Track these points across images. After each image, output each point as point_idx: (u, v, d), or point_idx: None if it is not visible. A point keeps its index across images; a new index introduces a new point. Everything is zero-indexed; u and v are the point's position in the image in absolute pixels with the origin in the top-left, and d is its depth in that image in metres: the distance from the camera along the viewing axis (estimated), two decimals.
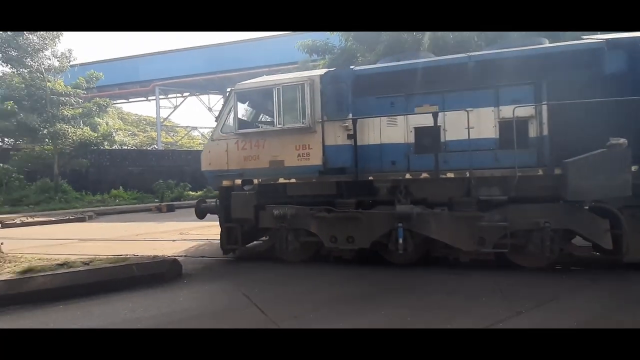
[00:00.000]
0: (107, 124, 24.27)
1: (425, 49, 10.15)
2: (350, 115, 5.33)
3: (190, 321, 3.67)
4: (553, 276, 4.56)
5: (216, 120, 6.23)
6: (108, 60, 26.05)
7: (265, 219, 5.72)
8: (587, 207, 4.67)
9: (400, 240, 4.97)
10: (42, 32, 19.22)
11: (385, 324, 3.28)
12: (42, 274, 4.56)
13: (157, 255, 5.58)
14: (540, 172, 4.61)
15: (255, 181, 5.80)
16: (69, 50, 20.64)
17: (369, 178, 5.29)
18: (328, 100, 5.41)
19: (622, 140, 4.18)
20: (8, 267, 4.93)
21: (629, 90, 4.42)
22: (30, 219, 13.11)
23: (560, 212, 4.66)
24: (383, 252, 5.38)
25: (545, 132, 4.76)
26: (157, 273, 4.97)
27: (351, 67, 5.95)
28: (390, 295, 4.13)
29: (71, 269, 4.73)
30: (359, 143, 5.31)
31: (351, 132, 5.28)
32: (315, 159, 5.39)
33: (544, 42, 5.15)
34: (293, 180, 5.56)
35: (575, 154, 4.32)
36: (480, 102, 4.97)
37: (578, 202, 4.55)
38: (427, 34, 10.42)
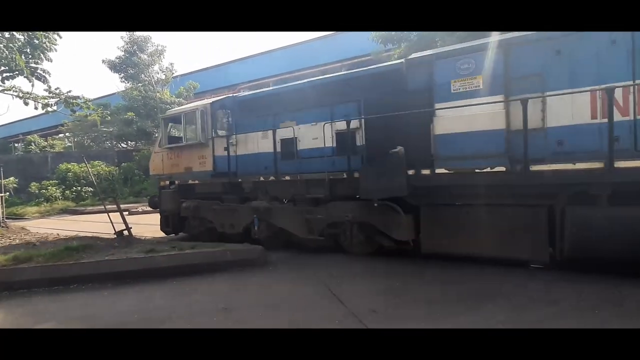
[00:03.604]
0: None
1: None
2: (235, 133, 7.06)
3: (279, 305, 3.97)
4: None
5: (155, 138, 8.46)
6: (202, 70, 29.30)
7: (183, 210, 7.72)
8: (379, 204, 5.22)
9: (256, 228, 6.52)
10: (150, 51, 22.45)
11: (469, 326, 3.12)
12: (161, 254, 5.42)
13: (247, 244, 6.09)
14: (345, 176, 5.55)
15: (176, 182, 8.07)
16: (171, 64, 23.95)
17: (239, 180, 6.90)
18: (217, 121, 7.24)
19: (399, 149, 4.88)
20: (136, 247, 5.98)
21: (427, 103, 4.95)
22: (148, 208, 15.49)
23: (360, 209, 5.51)
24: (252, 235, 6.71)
25: (364, 141, 5.65)
26: (248, 259, 5.52)
27: (234, 94, 7.90)
28: (483, 300, 3.85)
29: (181, 251, 5.52)
30: (243, 153, 7.00)
31: (233, 145, 7.00)
32: (209, 166, 7.19)
33: None
34: (197, 182, 7.61)
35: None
36: (321, 118, 5.98)
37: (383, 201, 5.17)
38: None
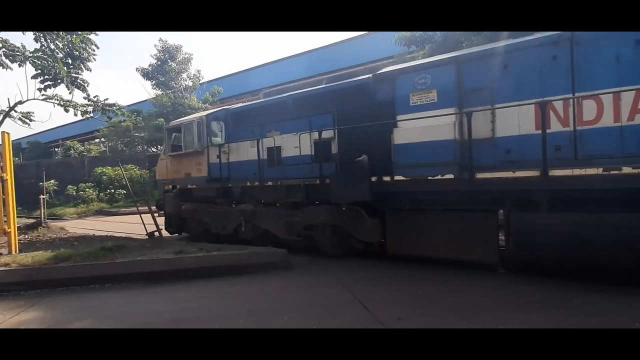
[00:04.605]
0: None
1: None
2: (227, 142, 7.73)
3: (304, 310, 3.92)
4: None
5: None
6: (226, 76, 29.99)
7: (183, 212, 8.61)
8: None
9: (243, 228, 7.26)
10: (179, 59, 23.22)
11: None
12: (189, 255, 5.54)
13: (271, 247, 6.30)
14: (318, 182, 6.01)
15: (178, 186, 8.91)
16: (198, 71, 24.65)
17: (229, 185, 7.59)
18: (211, 132, 7.84)
19: (363, 157, 5.39)
20: (166, 248, 6.14)
21: (391, 115, 5.35)
22: None
23: (331, 212, 5.99)
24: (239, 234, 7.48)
25: (337, 149, 6.13)
26: (271, 262, 5.60)
27: (226, 107, 8.65)
28: (509, 310, 3.74)
29: (208, 253, 5.61)
30: (235, 160, 7.62)
31: (225, 153, 7.69)
32: (204, 172, 7.95)
33: None
34: (195, 186, 8.41)
35: None
36: (302, 128, 6.41)
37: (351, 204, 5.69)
38: None
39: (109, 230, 9.89)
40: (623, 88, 3.99)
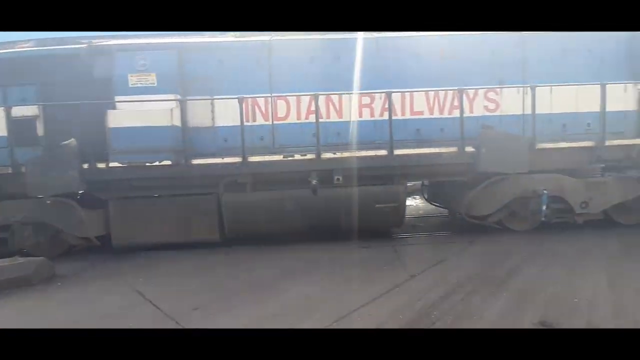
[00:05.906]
0: None
1: None
2: None
3: (76, 323, 3.14)
4: (444, 242, 5.41)
5: None
6: None
7: None
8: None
9: None
10: None
11: (298, 306, 3.42)
12: None
13: (18, 257, 4.72)
14: (10, 171, 4.99)
15: None
16: None
17: None
18: None
19: (71, 140, 4.86)
20: None
21: (110, 94, 5.08)
22: None
23: (33, 207, 5.01)
24: None
25: (43, 131, 5.28)
26: (19, 277, 4.28)
27: None
28: (297, 275, 4.25)
29: None
30: None
31: None
32: None
33: None
34: None
35: None
36: None
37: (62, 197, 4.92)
38: None
39: None
40: (302, 93, 5.12)
